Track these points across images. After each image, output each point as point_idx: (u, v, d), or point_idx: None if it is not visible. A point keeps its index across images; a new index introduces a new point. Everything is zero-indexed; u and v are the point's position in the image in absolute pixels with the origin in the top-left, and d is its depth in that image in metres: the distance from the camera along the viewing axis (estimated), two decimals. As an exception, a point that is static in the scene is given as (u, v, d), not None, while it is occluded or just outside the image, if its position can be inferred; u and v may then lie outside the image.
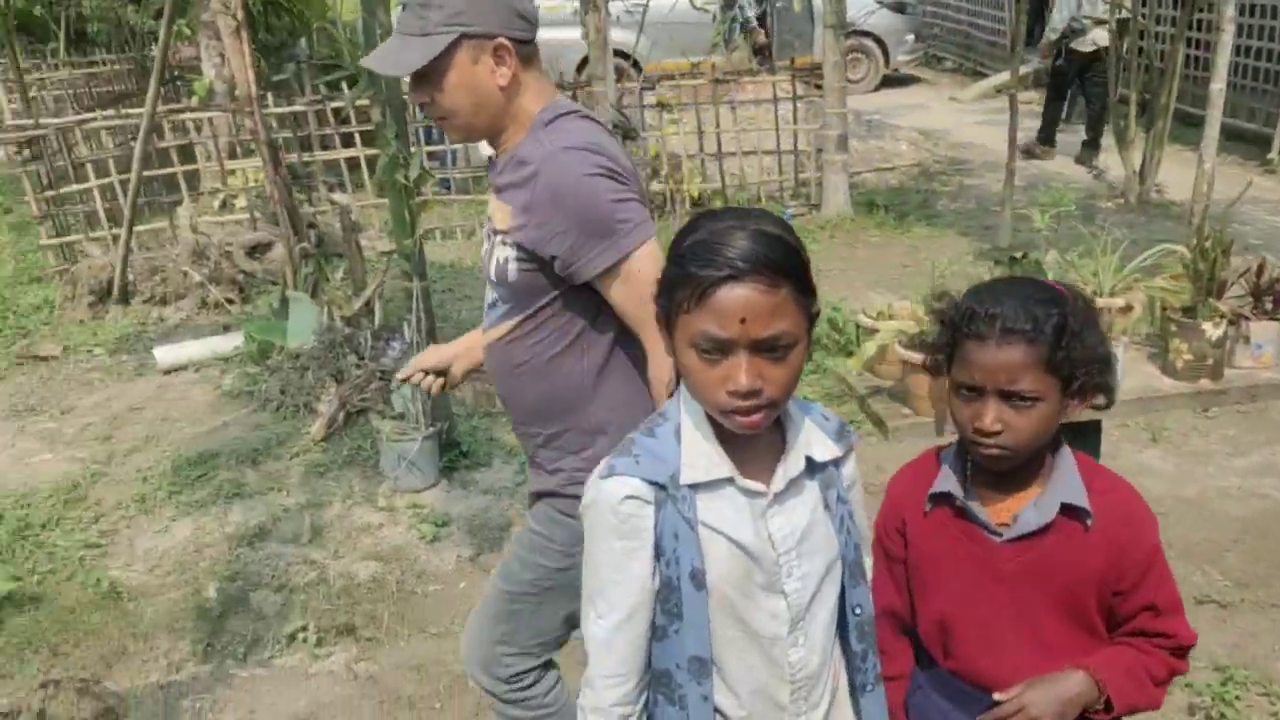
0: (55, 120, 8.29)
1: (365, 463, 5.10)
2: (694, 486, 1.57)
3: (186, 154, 8.70)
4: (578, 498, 1.66)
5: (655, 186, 8.84)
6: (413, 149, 4.31)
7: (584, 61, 9.88)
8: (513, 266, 2.15)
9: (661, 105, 8.85)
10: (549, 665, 2.51)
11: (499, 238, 2.18)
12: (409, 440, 4.75)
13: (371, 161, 9.10)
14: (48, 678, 3.45)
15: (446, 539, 4.49)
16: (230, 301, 7.37)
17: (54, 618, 4.03)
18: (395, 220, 4.47)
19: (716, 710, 1.65)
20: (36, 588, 4.22)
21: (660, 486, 1.56)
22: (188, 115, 8.61)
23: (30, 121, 7.97)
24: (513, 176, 2.14)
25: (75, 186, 8.03)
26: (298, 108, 8.70)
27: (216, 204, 8.85)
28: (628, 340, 2.18)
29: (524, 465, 4.94)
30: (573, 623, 2.34)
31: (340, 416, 5.41)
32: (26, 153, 7.71)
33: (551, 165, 2.04)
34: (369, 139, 9.16)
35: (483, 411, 5.59)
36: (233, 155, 8.93)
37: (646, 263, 2.02)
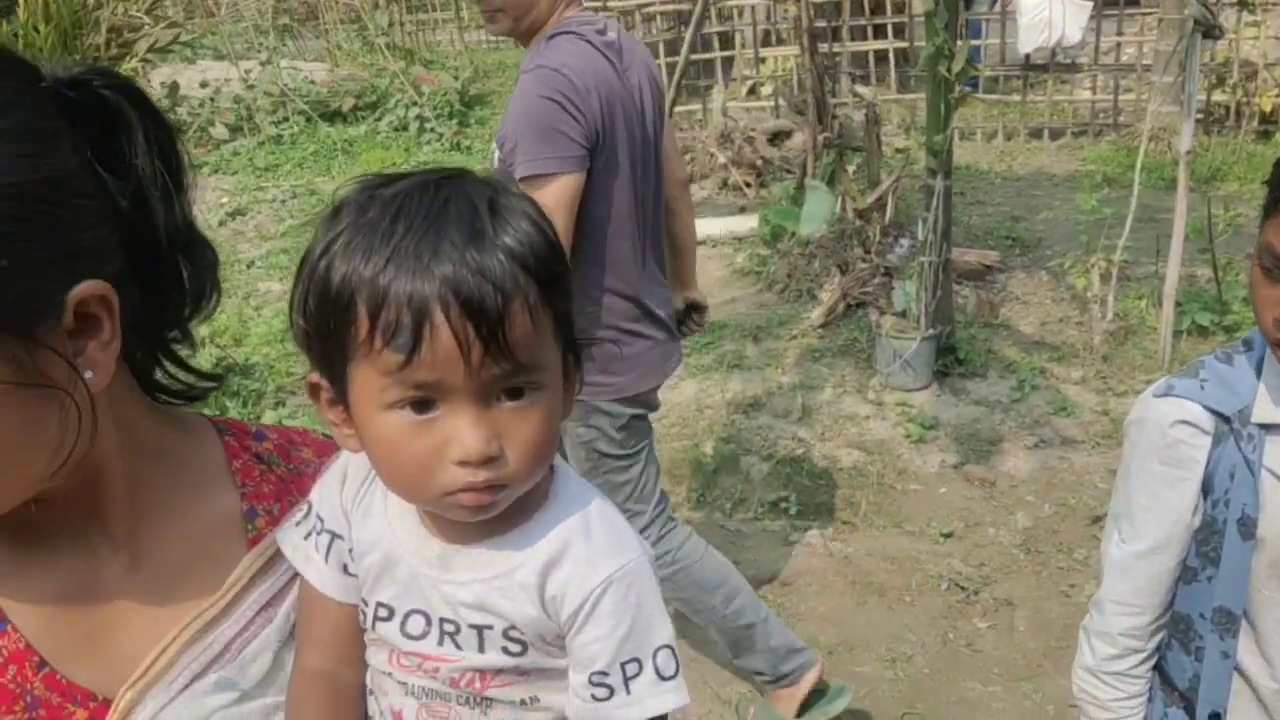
0: (620, 3, 9.08)
1: (859, 355, 5.18)
2: (1266, 427, 1.41)
3: (725, 40, 9.15)
4: None
5: (1218, 97, 7.82)
6: (959, 43, 4.15)
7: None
8: (495, 155, 2.57)
9: (1242, 3, 7.72)
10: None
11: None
12: (907, 339, 4.74)
13: (900, 54, 8.97)
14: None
15: (932, 442, 4.47)
16: (748, 185, 7.74)
17: (578, 445, 4.62)
18: (930, 113, 4.38)
19: (1240, 672, 1.51)
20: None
21: (1224, 419, 1.42)
22: (735, 1, 9.01)
23: (600, 3, 8.79)
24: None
25: (627, 66, 8.79)
26: (837, -4, 8.76)
27: (745, 90, 9.26)
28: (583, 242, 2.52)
29: (1022, 382, 4.75)
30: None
31: (840, 306, 5.53)
32: (592, 33, 8.54)
33: (524, 79, 2.50)
34: (899, 31, 9.02)
35: (984, 321, 5.42)
36: (766, 43, 9.25)
37: (548, 196, 2.32)
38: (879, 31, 8.87)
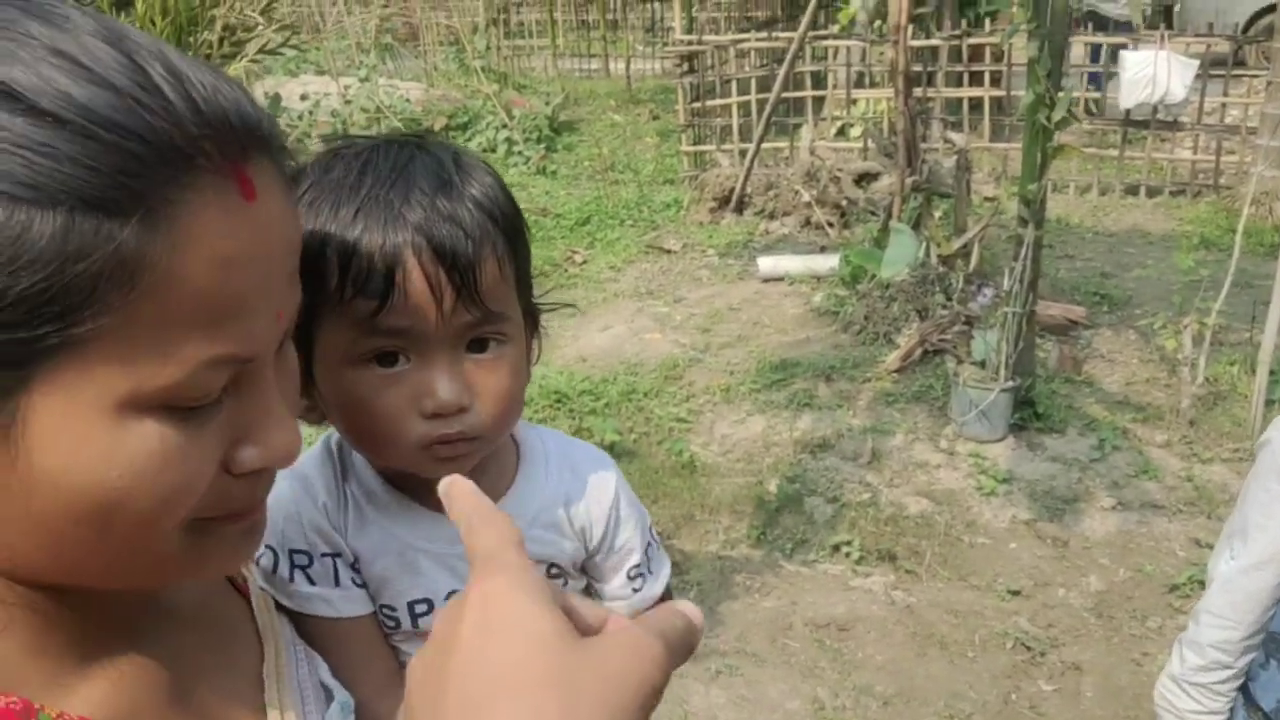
0: (714, 39, 9.12)
1: (933, 402, 5.08)
2: None
3: (817, 79, 9.13)
4: None
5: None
6: (1060, 91, 4.07)
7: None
8: None
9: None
10: None
11: None
12: (984, 389, 4.63)
13: (995, 102, 8.86)
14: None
15: (1004, 495, 4.34)
16: (830, 224, 7.68)
17: (641, 474, 4.59)
18: (1025, 161, 4.30)
19: None
20: (632, 445, 4.83)
21: None
22: (829, 42, 8.99)
23: (694, 37, 8.85)
24: None
25: (718, 101, 8.83)
26: (935, 41, 8.69)
27: (833, 130, 9.22)
28: None
29: (1103, 441, 4.61)
30: None
31: (918, 352, 5.43)
32: (685, 66, 8.60)
33: None
34: (994, 79, 8.91)
35: (1065, 376, 5.27)
36: (859, 85, 9.20)
37: None
38: (975, 79, 8.77)
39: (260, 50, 3.32)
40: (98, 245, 0.52)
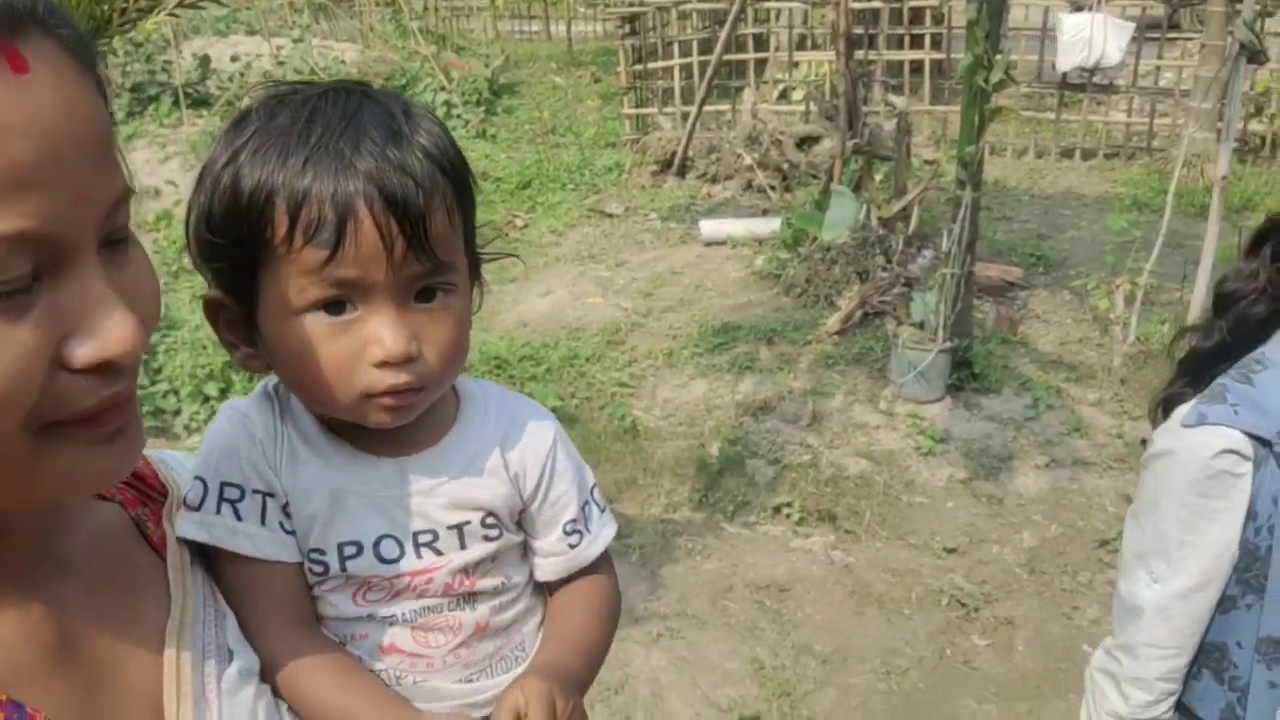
0: (656, 0, 9.03)
1: (873, 364, 5.12)
2: None
3: (759, 42, 9.09)
4: None
5: (1255, 126, 7.72)
6: (999, 55, 4.09)
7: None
8: None
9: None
10: None
11: None
12: (923, 350, 4.67)
13: (935, 66, 8.90)
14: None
15: (942, 455, 4.40)
16: (772, 188, 7.68)
17: (584, 440, 4.57)
18: (963, 124, 4.32)
19: None
20: (574, 410, 4.81)
21: (1263, 442, 1.37)
22: (771, 4, 8.96)
23: (634, -1, 8.76)
24: None
25: (660, 63, 8.75)
26: (876, 4, 8.69)
27: (775, 94, 9.19)
28: None
29: (1037, 401, 4.68)
30: None
31: (858, 314, 5.46)
32: (627, 28, 8.51)
33: None
34: (935, 42, 8.94)
35: (1002, 337, 5.35)
36: (800, 47, 9.18)
37: None
38: (915, 42, 8.80)
39: (179, 4, 3.20)
40: None
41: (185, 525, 0.87)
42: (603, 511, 1.02)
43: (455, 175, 0.87)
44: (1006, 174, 8.12)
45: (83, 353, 0.62)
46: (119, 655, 0.76)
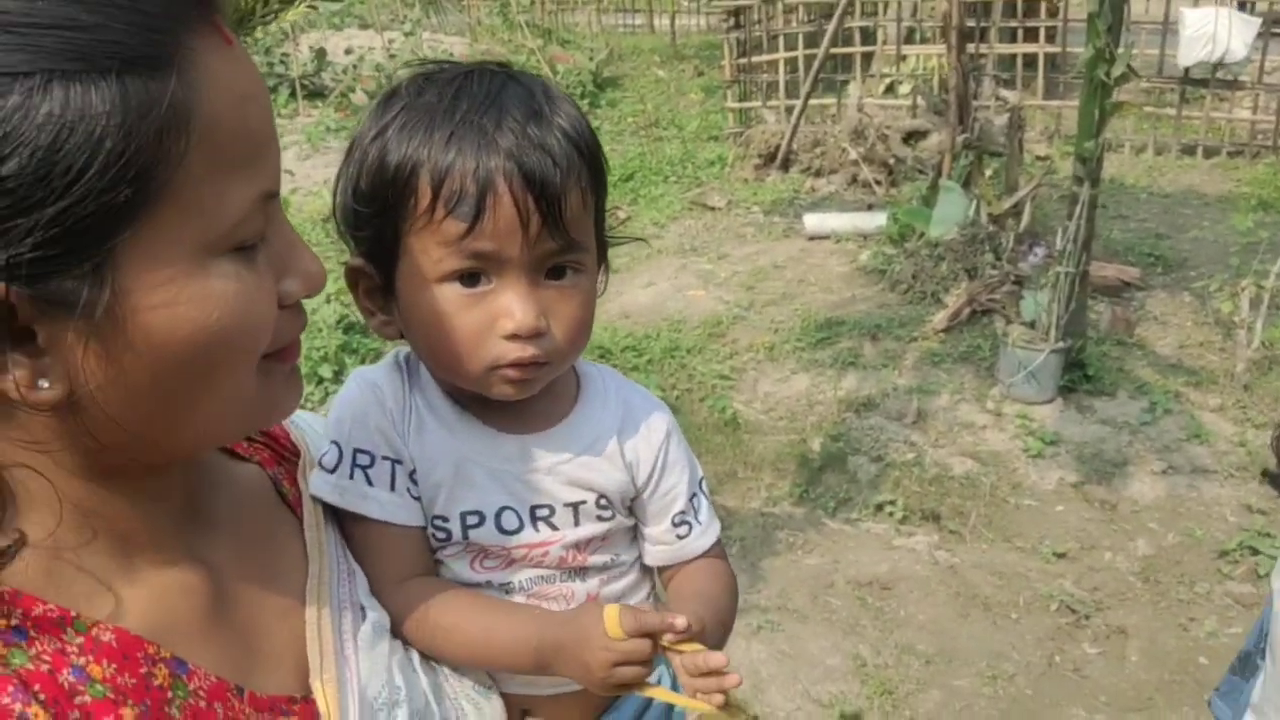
0: (760, -7, 8.98)
1: (980, 363, 5.01)
2: None
3: (866, 35, 8.97)
4: None
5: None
6: (1121, 48, 3.96)
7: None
8: None
9: None
10: None
11: None
12: (1034, 350, 4.56)
13: (1049, 59, 8.66)
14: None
15: (1051, 458, 4.29)
16: (878, 182, 7.57)
17: (684, 431, 4.53)
18: (1082, 119, 4.20)
19: None
20: (675, 401, 4.81)
21: None
22: (877, -3, 8.82)
23: (740, -8, 8.72)
24: None
25: (764, 57, 8.70)
26: (988, -4, 8.49)
27: (882, 88, 9.06)
28: None
29: (1154, 405, 4.53)
30: None
31: (965, 312, 5.36)
32: (732, 21, 8.48)
33: None
34: (1050, 35, 8.70)
35: (1117, 338, 5.18)
36: (909, 40, 9.03)
37: None
38: (1030, 34, 8.58)
39: (309, 3, 3.31)
40: (154, 100, 0.56)
41: (320, 486, 0.91)
42: (711, 508, 1.04)
43: (591, 158, 0.89)
44: (1124, 171, 7.86)
45: (293, 290, 0.69)
46: (265, 612, 0.80)
